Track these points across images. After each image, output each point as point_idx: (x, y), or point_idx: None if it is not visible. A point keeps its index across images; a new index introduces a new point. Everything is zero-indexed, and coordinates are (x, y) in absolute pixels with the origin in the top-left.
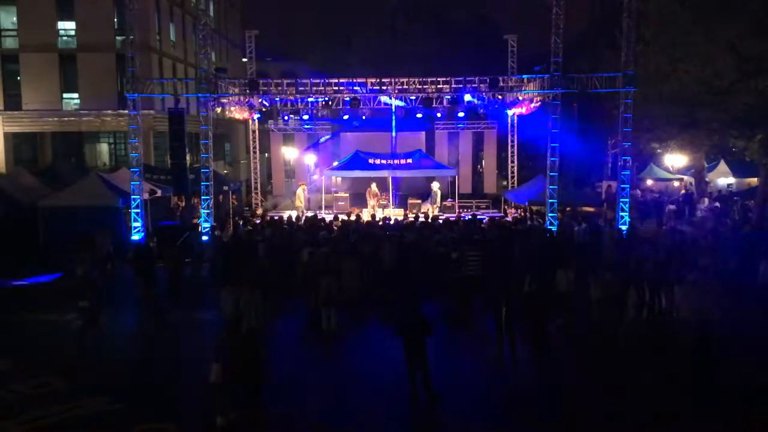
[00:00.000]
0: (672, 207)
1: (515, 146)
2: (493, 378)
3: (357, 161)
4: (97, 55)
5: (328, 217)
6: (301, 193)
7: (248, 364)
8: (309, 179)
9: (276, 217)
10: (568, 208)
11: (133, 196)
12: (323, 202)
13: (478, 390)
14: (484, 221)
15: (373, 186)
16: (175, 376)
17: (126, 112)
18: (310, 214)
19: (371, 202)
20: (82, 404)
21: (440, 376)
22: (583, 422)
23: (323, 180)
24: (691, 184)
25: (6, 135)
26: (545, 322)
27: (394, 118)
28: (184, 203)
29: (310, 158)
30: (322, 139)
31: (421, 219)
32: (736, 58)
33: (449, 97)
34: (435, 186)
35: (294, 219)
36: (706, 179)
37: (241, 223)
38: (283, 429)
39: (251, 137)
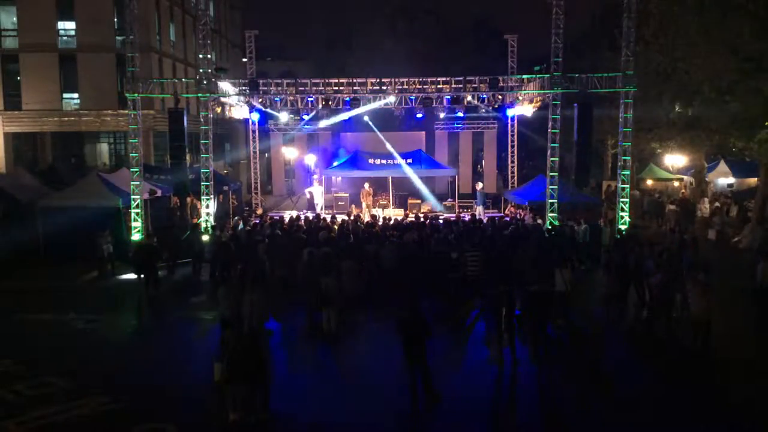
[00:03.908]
0: (672, 207)
1: (515, 146)
2: (492, 378)
3: (357, 161)
4: (97, 55)
5: (328, 217)
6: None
7: (251, 364)
8: (310, 179)
9: (276, 217)
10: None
11: (133, 196)
12: (323, 202)
13: (476, 390)
14: (484, 221)
15: (366, 186)
16: (175, 376)
17: (126, 112)
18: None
19: (365, 202)
20: (82, 404)
21: (439, 376)
22: (584, 423)
23: (323, 180)
24: (691, 183)
25: (6, 135)
26: (546, 322)
27: None
28: (179, 202)
29: (310, 158)
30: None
31: (421, 219)
32: (736, 58)
33: (449, 97)
34: (480, 185)
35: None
36: (706, 179)
37: (240, 223)
38: (282, 428)
39: (251, 137)
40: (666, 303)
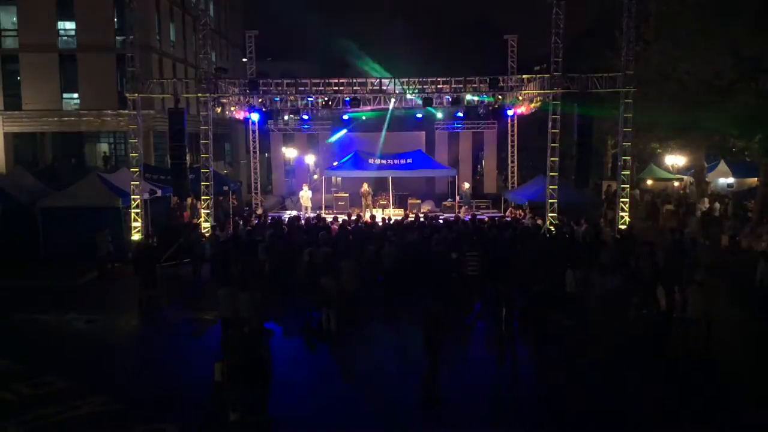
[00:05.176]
0: (670, 207)
1: (515, 146)
2: (493, 378)
3: (357, 161)
4: (97, 55)
5: (328, 217)
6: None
7: (251, 364)
8: (309, 179)
9: (276, 217)
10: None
11: (133, 196)
12: (323, 202)
13: (476, 390)
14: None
15: (365, 185)
16: (175, 376)
17: (126, 112)
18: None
19: (365, 202)
20: (82, 404)
21: (440, 376)
22: (584, 424)
23: (323, 180)
24: (691, 183)
25: (6, 135)
26: (549, 322)
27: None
28: (179, 203)
29: (310, 158)
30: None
31: (421, 219)
32: (736, 58)
33: (449, 97)
34: (466, 185)
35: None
36: (706, 179)
37: (241, 223)
38: (282, 428)
39: (251, 137)
40: (622, 308)
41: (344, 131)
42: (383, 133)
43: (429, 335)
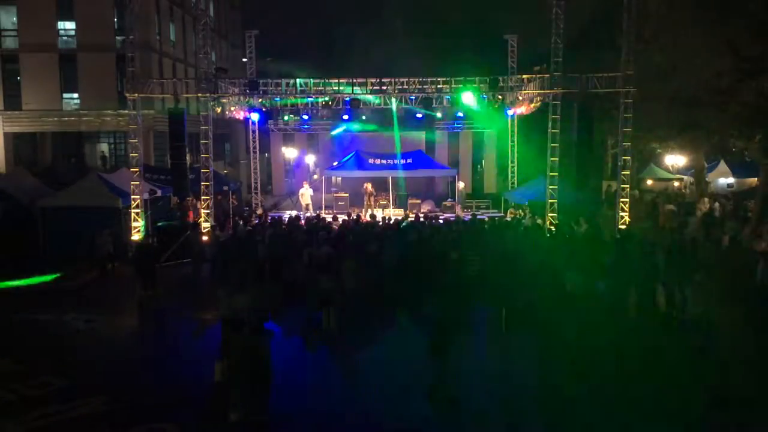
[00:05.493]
0: (671, 207)
1: (515, 146)
2: (494, 379)
3: (357, 161)
4: (97, 55)
5: (328, 217)
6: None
7: (251, 364)
8: (309, 178)
9: (276, 217)
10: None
11: (133, 196)
12: (323, 202)
13: (477, 390)
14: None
15: (369, 185)
16: (175, 376)
17: (126, 112)
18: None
19: (368, 201)
20: (82, 404)
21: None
22: (584, 424)
23: (323, 180)
24: (691, 183)
25: (6, 135)
26: (548, 322)
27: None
28: (179, 202)
29: (310, 158)
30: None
31: (421, 219)
32: (736, 58)
33: (449, 97)
34: (461, 185)
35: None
36: (707, 179)
37: (241, 223)
38: (282, 428)
39: (251, 137)
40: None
41: (345, 126)
42: (396, 134)
43: (437, 335)
